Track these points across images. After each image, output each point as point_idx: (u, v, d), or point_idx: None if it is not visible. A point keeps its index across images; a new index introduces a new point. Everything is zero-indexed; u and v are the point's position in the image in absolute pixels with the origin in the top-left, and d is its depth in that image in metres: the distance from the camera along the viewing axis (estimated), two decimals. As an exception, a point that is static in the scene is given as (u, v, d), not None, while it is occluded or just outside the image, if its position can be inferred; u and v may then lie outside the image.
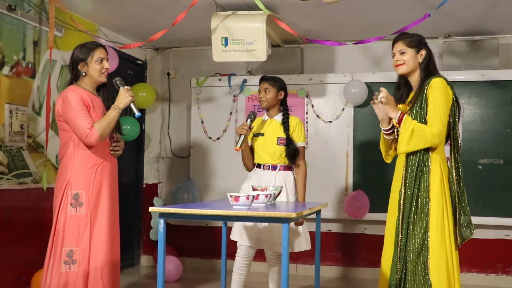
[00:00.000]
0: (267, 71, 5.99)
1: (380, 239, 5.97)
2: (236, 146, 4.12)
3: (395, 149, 3.60)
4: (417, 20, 4.51)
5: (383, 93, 3.41)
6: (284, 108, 4.38)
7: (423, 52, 3.47)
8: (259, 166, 4.31)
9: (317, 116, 6.06)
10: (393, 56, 3.53)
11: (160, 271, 3.08)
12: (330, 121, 6.03)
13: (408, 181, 3.38)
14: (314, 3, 4.56)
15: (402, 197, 3.38)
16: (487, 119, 5.65)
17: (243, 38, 4.91)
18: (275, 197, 3.66)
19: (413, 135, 3.31)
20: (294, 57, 6.16)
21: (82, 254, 3.54)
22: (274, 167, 4.26)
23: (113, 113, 3.64)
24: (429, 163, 3.35)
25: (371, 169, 5.91)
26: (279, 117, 4.35)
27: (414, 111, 3.41)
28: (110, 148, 3.76)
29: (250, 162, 4.36)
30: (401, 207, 3.38)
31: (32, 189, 4.68)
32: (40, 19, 4.78)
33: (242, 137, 4.13)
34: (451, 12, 4.98)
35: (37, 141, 4.76)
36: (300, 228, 4.20)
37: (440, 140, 3.34)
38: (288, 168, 4.31)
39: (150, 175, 6.77)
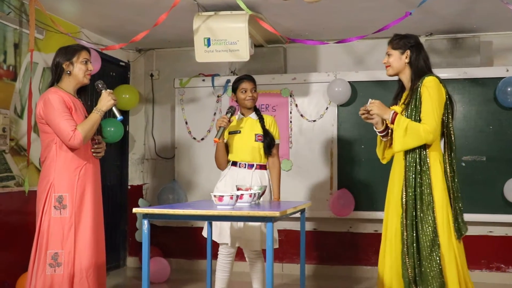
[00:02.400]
0: (251, 71, 6.00)
1: (365, 237, 6.07)
2: (215, 137, 4.14)
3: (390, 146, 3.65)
4: (398, 18, 4.53)
5: (369, 104, 3.48)
6: (255, 106, 4.47)
7: (408, 53, 3.54)
8: (234, 164, 4.33)
9: (301, 115, 6.07)
10: None
11: (144, 272, 3.08)
12: (314, 120, 6.04)
13: (409, 180, 3.40)
14: (296, 3, 4.58)
15: (404, 196, 3.40)
16: (469, 116, 5.69)
17: (225, 38, 4.91)
18: (259, 196, 3.67)
19: (407, 132, 3.36)
20: (277, 57, 6.17)
21: (67, 256, 3.53)
22: (250, 166, 4.29)
23: (96, 115, 3.63)
24: (428, 161, 3.39)
25: (355, 167, 5.94)
26: (254, 115, 4.41)
27: (408, 110, 3.47)
28: (92, 150, 3.75)
29: (224, 158, 4.36)
30: (404, 206, 3.40)
31: (15, 193, 4.64)
32: (20, 21, 4.74)
33: (222, 129, 4.16)
34: (432, 10, 5.02)
35: (19, 144, 4.72)
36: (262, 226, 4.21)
37: (434, 137, 3.39)
38: (263, 167, 4.36)
39: (134, 177, 6.75)
